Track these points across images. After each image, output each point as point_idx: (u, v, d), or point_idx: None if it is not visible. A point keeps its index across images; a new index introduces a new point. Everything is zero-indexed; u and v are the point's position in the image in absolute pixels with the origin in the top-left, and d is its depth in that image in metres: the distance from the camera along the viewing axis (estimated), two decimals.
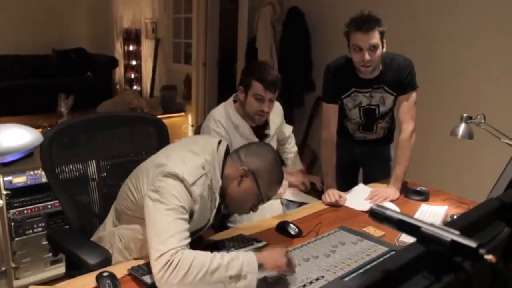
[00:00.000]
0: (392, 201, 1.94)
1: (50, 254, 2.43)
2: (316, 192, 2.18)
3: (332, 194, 1.92)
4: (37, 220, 2.43)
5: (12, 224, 2.35)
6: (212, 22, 4.67)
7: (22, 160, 2.15)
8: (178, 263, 1.13)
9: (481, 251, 0.59)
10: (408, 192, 2.02)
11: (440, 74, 2.84)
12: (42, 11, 5.76)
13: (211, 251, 1.20)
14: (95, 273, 1.22)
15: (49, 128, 1.82)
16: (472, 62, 2.69)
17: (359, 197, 1.96)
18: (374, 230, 1.61)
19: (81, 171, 1.62)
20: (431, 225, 0.65)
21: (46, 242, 2.28)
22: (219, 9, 4.69)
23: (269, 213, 1.90)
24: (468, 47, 2.70)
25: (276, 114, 2.10)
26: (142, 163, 1.42)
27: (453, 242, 0.61)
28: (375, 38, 1.84)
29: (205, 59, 4.77)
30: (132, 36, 5.91)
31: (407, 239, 1.51)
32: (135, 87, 5.97)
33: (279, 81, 1.90)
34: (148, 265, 1.23)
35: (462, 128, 1.90)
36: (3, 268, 2.37)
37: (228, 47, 4.81)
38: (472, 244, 0.60)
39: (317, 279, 1.26)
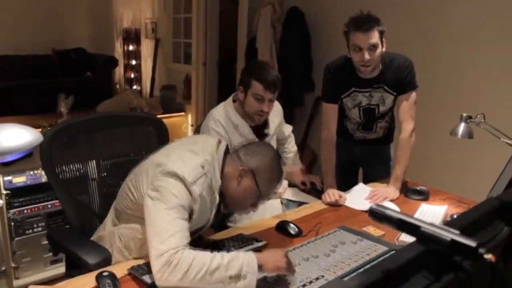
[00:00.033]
0: (392, 200, 1.95)
1: (50, 254, 2.43)
2: (316, 191, 2.17)
3: (332, 194, 1.92)
4: (37, 220, 2.43)
5: (12, 223, 2.35)
6: (212, 22, 4.67)
7: (22, 160, 2.16)
8: (178, 263, 1.13)
9: (481, 250, 0.59)
10: (408, 191, 2.02)
11: (440, 74, 2.84)
12: (42, 11, 5.76)
13: (211, 251, 1.20)
14: (95, 272, 1.22)
15: (49, 128, 1.82)
16: (472, 62, 2.69)
17: (359, 197, 1.96)
18: (374, 229, 1.61)
19: (81, 170, 1.62)
20: (431, 224, 0.65)
21: (46, 242, 2.29)
22: (219, 9, 4.69)
23: (269, 212, 1.90)
24: (468, 47, 2.70)
25: (275, 113, 2.10)
26: (142, 162, 1.42)
27: (453, 241, 0.61)
28: (375, 37, 1.84)
29: (205, 59, 4.77)
30: (132, 36, 5.91)
31: (407, 238, 1.51)
32: (135, 87, 5.97)
33: (279, 81, 1.90)
34: (148, 265, 1.23)
35: (462, 127, 1.90)
36: (3, 268, 2.37)
37: (228, 47, 4.80)
38: (472, 243, 0.60)
39: (317, 279, 1.26)
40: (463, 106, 2.33)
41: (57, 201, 2.39)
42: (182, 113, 5.03)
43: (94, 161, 1.65)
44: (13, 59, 5.42)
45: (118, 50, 6.17)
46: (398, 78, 1.99)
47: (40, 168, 2.38)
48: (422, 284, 0.60)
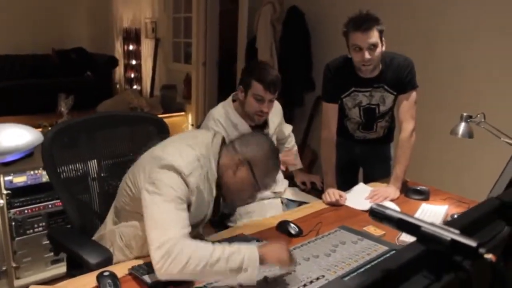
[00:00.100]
0: (392, 200, 1.95)
1: (51, 254, 2.43)
2: (316, 191, 2.18)
3: (332, 194, 1.92)
4: (37, 219, 2.43)
5: (13, 223, 2.35)
6: (212, 22, 4.67)
7: (22, 160, 2.15)
8: (177, 254, 1.13)
9: (481, 250, 0.59)
10: (408, 191, 2.02)
11: (440, 74, 2.84)
12: (42, 11, 5.77)
13: (213, 242, 1.20)
14: (96, 272, 1.23)
15: (49, 128, 1.82)
16: (472, 62, 2.69)
17: (359, 197, 1.97)
18: (374, 229, 1.62)
19: (82, 170, 1.62)
20: (431, 224, 0.65)
21: (47, 242, 2.28)
22: (219, 8, 4.69)
23: (269, 212, 1.91)
24: (468, 47, 2.70)
25: (275, 113, 2.10)
26: (139, 159, 1.42)
27: (453, 241, 0.61)
28: (374, 37, 1.84)
29: (205, 58, 4.77)
30: (132, 36, 5.91)
31: (407, 238, 1.51)
32: (135, 87, 5.97)
33: (279, 81, 1.90)
34: (148, 265, 1.23)
35: (462, 127, 1.90)
36: (4, 268, 2.37)
37: (228, 47, 4.81)
38: (472, 243, 0.60)
39: (317, 279, 1.26)
40: (463, 106, 2.34)
41: (58, 201, 2.39)
42: (182, 113, 5.04)
43: (95, 160, 1.65)
44: (13, 59, 5.42)
45: (118, 50, 6.17)
46: (398, 77, 1.99)
47: (41, 168, 2.38)
48: (422, 284, 0.60)
